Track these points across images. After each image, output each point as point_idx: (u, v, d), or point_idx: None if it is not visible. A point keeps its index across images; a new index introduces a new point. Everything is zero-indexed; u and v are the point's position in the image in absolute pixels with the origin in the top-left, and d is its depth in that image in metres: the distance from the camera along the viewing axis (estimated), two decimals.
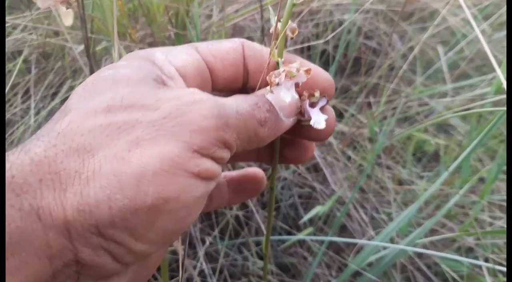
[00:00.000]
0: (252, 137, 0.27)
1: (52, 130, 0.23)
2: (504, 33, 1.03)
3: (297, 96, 0.30)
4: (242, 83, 0.34)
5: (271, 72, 0.30)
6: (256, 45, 0.33)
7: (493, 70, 0.65)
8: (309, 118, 0.30)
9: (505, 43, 1.06)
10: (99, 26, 0.52)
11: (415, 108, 0.94)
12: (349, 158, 0.83)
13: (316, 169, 0.80)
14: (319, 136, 0.32)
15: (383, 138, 0.73)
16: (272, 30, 0.32)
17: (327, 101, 0.31)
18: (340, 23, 0.88)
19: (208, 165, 0.24)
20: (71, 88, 0.63)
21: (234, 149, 0.26)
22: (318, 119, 0.30)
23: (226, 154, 0.25)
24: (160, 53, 0.29)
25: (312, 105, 0.31)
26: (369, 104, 0.91)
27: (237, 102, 0.27)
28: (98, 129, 0.23)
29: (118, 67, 0.27)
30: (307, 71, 0.29)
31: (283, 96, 0.29)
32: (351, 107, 0.91)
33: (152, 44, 0.55)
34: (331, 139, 0.82)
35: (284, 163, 0.39)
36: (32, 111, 0.58)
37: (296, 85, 0.30)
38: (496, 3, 1.08)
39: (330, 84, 0.32)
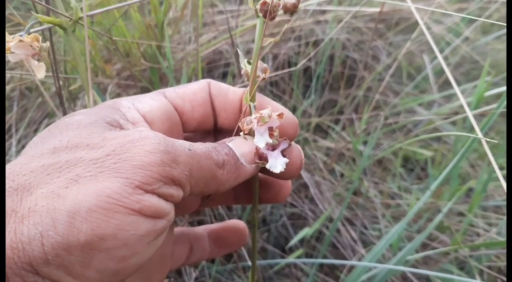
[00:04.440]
0: (209, 179, 0.27)
1: None
2: (488, 38, 1.03)
3: (270, 141, 0.29)
4: (214, 122, 0.34)
5: (242, 119, 0.30)
6: (222, 85, 0.33)
7: (482, 75, 0.65)
8: (266, 161, 0.29)
9: (490, 47, 1.06)
10: (74, 64, 0.53)
11: (404, 118, 0.93)
12: (336, 176, 0.83)
13: (305, 187, 0.80)
14: (283, 175, 0.31)
15: (367, 154, 0.72)
16: (243, 72, 0.32)
17: (289, 145, 0.31)
18: (322, 39, 0.88)
19: (152, 201, 0.23)
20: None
21: (187, 187, 0.25)
22: (275, 164, 0.29)
23: (176, 192, 0.24)
24: (126, 101, 0.30)
25: (272, 148, 0.30)
26: (352, 121, 0.91)
27: (193, 144, 0.26)
28: (40, 169, 0.23)
29: (75, 114, 0.27)
30: (280, 116, 0.29)
31: (257, 142, 0.29)
32: (336, 124, 0.90)
33: (128, 78, 0.56)
34: (318, 156, 0.82)
35: (260, 203, 0.38)
36: (13, 149, 0.59)
37: (270, 129, 0.30)
38: (482, 7, 1.08)
39: (294, 126, 0.32)
